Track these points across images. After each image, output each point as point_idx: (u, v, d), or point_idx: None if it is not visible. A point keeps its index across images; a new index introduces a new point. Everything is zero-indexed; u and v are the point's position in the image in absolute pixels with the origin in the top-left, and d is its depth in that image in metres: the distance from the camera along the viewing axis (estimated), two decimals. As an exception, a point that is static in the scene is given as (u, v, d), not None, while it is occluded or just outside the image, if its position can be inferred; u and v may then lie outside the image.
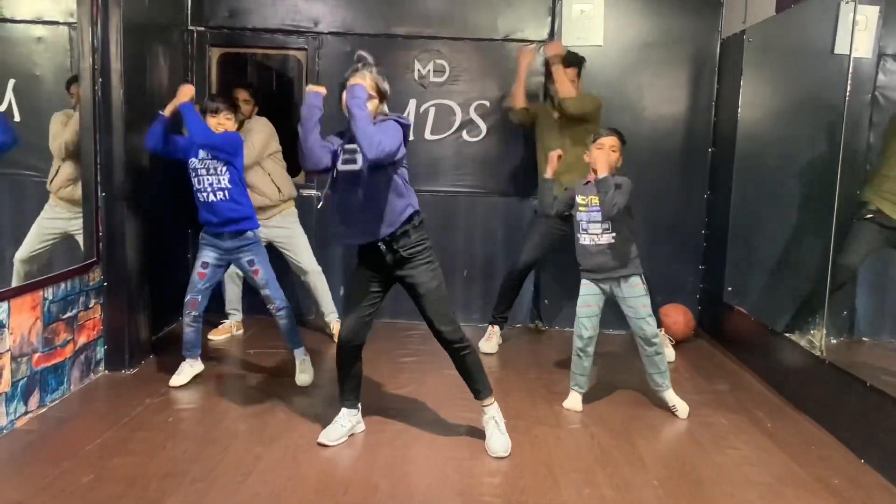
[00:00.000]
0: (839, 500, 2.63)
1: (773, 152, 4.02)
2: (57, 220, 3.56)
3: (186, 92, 3.42)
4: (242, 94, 4.19)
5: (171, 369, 3.61)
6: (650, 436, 3.15)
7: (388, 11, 4.71)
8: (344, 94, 2.73)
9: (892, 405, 2.81)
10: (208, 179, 3.47)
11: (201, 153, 3.48)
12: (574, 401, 3.43)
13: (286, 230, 4.32)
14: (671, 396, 3.39)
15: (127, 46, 3.56)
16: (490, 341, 4.32)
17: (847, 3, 3.23)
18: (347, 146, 2.79)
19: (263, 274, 3.59)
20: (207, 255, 3.56)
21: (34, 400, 3.11)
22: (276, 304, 3.61)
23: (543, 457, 2.90)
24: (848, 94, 3.18)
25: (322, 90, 2.78)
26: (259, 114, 4.25)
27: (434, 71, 4.72)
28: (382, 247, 2.82)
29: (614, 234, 3.28)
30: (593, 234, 3.30)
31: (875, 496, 2.66)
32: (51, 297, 3.21)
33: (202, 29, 4.67)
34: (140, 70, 3.81)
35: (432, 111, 4.75)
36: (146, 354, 3.89)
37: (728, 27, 4.59)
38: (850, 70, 3.17)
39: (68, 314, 3.36)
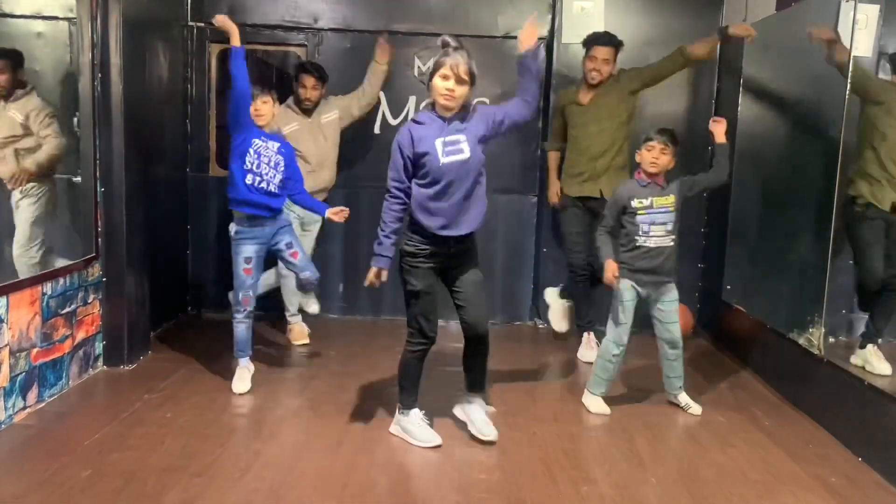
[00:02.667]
0: (837, 498, 2.63)
1: (772, 151, 4.02)
2: None
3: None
4: (310, 81, 4.19)
5: (171, 365, 3.62)
6: (648, 434, 3.15)
7: (388, 8, 4.70)
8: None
9: (889, 404, 2.82)
10: (266, 170, 3.40)
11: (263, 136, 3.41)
12: (601, 405, 3.37)
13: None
14: (685, 398, 3.40)
15: (126, 42, 3.56)
16: (591, 349, 4.09)
17: (847, 1, 3.23)
18: (447, 138, 2.75)
19: (302, 254, 3.56)
20: (248, 250, 3.42)
21: (32, 395, 3.11)
22: (315, 286, 3.72)
23: (541, 454, 2.90)
24: (848, 92, 3.18)
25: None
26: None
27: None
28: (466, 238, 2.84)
29: (674, 238, 3.27)
30: (656, 236, 3.24)
31: (872, 494, 2.67)
32: (49, 293, 3.21)
33: (202, 25, 4.66)
34: (139, 65, 3.80)
35: (432, 108, 4.74)
36: (145, 350, 3.89)
37: (728, 25, 4.58)
38: (850, 69, 3.17)
39: (67, 309, 3.35)
